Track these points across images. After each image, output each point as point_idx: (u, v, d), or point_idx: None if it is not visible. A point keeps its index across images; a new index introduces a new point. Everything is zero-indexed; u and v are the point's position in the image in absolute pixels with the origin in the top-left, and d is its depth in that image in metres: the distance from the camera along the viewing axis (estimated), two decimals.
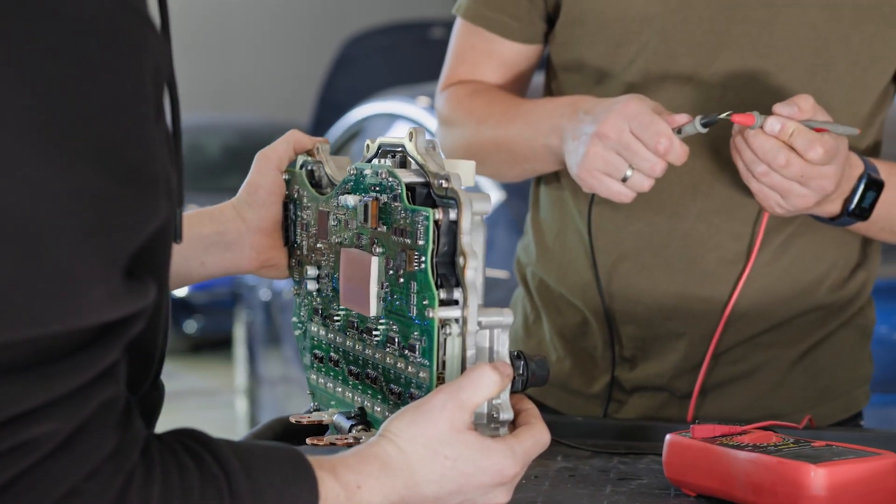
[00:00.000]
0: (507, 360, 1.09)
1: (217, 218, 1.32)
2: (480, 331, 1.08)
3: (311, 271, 1.29)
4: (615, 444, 1.43)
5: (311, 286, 1.29)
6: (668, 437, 1.24)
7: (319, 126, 6.70)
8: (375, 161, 1.21)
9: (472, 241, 1.08)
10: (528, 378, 1.12)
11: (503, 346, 1.09)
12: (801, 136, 1.35)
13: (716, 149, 1.54)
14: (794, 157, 1.36)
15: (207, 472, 0.87)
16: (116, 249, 0.79)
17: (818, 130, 1.37)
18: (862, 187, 1.45)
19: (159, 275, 0.89)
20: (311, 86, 10.02)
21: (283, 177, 1.34)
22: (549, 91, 1.68)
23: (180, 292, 7.98)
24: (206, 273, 1.32)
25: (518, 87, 1.72)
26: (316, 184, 1.32)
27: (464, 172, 1.21)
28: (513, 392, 1.11)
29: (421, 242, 1.08)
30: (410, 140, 1.15)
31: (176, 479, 0.84)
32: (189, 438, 0.90)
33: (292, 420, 1.27)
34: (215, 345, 8.19)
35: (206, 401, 7.15)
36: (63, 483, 0.78)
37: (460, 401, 1.02)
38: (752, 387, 1.60)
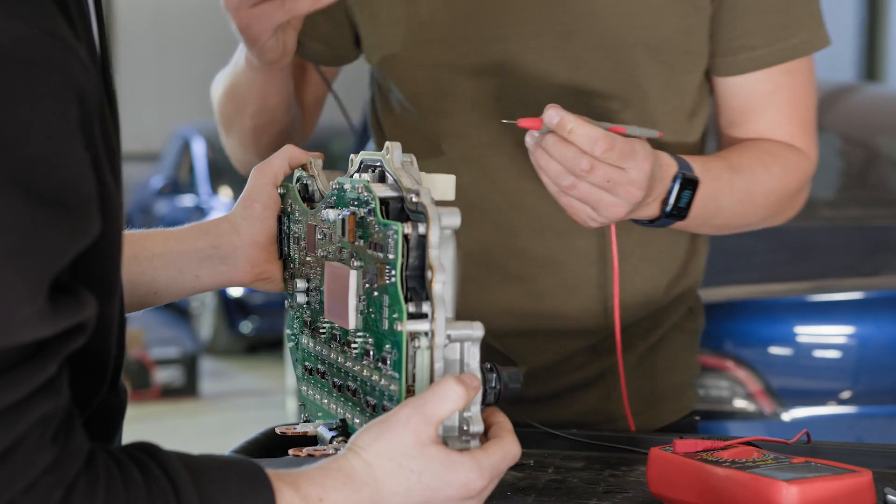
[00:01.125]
0: (478, 373, 1.09)
1: (212, 231, 1.34)
2: (450, 344, 1.09)
3: (301, 284, 1.30)
4: (609, 456, 1.43)
5: (301, 299, 1.30)
6: (651, 451, 1.23)
7: None
8: (356, 175, 1.22)
9: (441, 255, 1.08)
10: (501, 391, 1.13)
11: (474, 359, 1.10)
12: (580, 131, 1.30)
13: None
14: (598, 162, 1.30)
15: (155, 485, 0.88)
16: (42, 270, 0.81)
17: (616, 131, 1.33)
18: (677, 187, 1.41)
19: (104, 287, 0.91)
20: None
21: (279, 191, 1.35)
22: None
23: (235, 292, 8.06)
24: (200, 286, 1.34)
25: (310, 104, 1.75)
26: (309, 198, 1.33)
27: (442, 186, 1.22)
28: (486, 405, 1.12)
29: (391, 256, 1.09)
30: (387, 154, 1.16)
31: (121, 492, 0.86)
32: (139, 451, 0.91)
33: (278, 431, 1.29)
34: (270, 345, 8.26)
35: (260, 401, 7.21)
36: None
37: (424, 414, 1.02)
38: (593, 392, 1.60)
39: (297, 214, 1.32)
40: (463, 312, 1.50)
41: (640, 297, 1.60)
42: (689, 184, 1.41)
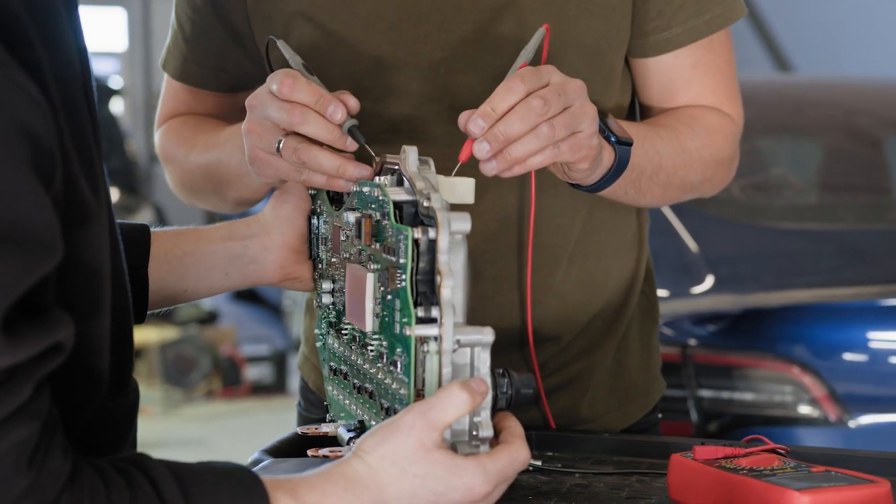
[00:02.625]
0: (487, 378, 1.09)
1: (242, 231, 1.36)
2: (460, 349, 1.09)
3: (326, 285, 1.31)
4: (640, 461, 1.42)
5: (326, 300, 1.32)
6: (672, 457, 1.22)
7: None
8: (377, 178, 1.23)
9: (451, 260, 1.09)
10: (513, 396, 1.13)
11: (484, 364, 1.10)
12: (495, 97, 1.22)
13: None
14: (535, 94, 1.22)
15: (142, 500, 0.90)
16: None
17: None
18: (599, 120, 1.35)
19: (88, 305, 0.93)
20: None
21: (310, 192, 1.37)
22: None
23: None
24: (229, 284, 1.36)
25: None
26: (338, 199, 1.34)
27: (461, 190, 1.22)
28: (498, 410, 1.12)
29: (402, 260, 1.09)
30: (403, 158, 1.17)
31: None
32: (130, 464, 0.93)
33: (299, 431, 1.31)
34: None
35: None
36: None
37: (429, 419, 1.03)
38: (564, 396, 1.56)
39: (325, 216, 1.34)
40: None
41: (614, 300, 1.58)
42: (604, 115, 1.38)
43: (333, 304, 1.31)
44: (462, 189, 1.22)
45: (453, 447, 1.07)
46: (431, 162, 1.19)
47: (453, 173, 1.23)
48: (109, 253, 0.98)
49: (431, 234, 1.09)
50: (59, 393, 0.92)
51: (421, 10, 1.42)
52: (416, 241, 1.09)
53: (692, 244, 2.84)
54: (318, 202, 1.35)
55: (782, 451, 1.21)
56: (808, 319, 2.63)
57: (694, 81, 1.54)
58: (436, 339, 1.08)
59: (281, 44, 1.32)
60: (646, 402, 1.65)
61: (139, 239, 1.31)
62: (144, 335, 7.11)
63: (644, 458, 1.43)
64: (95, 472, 0.90)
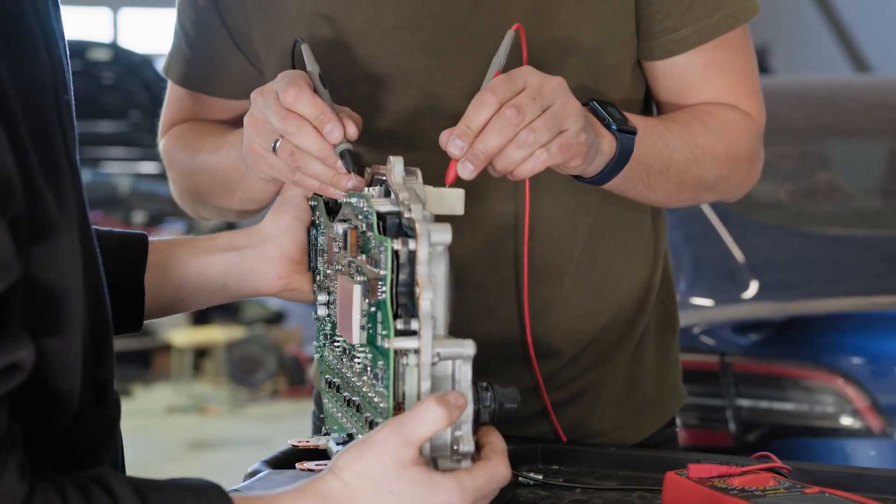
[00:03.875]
0: (468, 392, 1.07)
1: (241, 241, 1.35)
2: (441, 362, 1.07)
3: (322, 297, 1.30)
4: (647, 476, 1.39)
5: (321, 312, 1.30)
6: (666, 475, 1.19)
7: None
8: (366, 189, 1.21)
9: (433, 271, 1.07)
10: (497, 410, 1.10)
11: (465, 377, 1.08)
12: (469, 113, 1.21)
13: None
14: (510, 104, 1.20)
15: None
16: None
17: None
18: (599, 107, 1.34)
19: (52, 321, 0.92)
20: None
21: (310, 202, 1.36)
22: None
23: None
24: (226, 294, 1.35)
25: None
26: (337, 210, 1.33)
27: (450, 201, 1.21)
28: (481, 424, 1.10)
29: (382, 272, 1.08)
30: (389, 168, 1.15)
31: None
32: (93, 481, 0.92)
33: (289, 444, 1.29)
34: None
35: None
36: None
37: (403, 435, 1.01)
38: (573, 409, 1.53)
39: (322, 227, 1.32)
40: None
41: (626, 310, 1.54)
42: (603, 103, 1.35)
43: (329, 315, 1.30)
44: (452, 200, 1.20)
45: (434, 461, 1.06)
46: (419, 172, 1.18)
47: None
48: (81, 267, 0.97)
49: (412, 245, 1.07)
50: (22, 411, 0.92)
51: (417, 17, 1.40)
52: (395, 253, 1.07)
53: (736, 250, 2.79)
54: (318, 213, 1.34)
55: (784, 471, 1.18)
56: (853, 328, 2.56)
57: (708, 82, 1.50)
58: (416, 351, 1.06)
59: (305, 48, 1.31)
60: (661, 415, 1.61)
61: (136, 248, 1.31)
62: (211, 334, 7.18)
63: (651, 473, 1.39)
64: (54, 490, 0.89)
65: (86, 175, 7.97)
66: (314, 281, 1.36)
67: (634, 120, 1.38)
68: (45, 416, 0.96)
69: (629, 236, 1.55)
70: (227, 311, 7.48)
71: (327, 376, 1.32)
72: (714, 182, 1.49)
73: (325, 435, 1.32)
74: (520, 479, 1.35)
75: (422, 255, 1.06)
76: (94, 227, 1.32)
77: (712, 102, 1.50)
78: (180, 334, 7.16)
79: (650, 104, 1.57)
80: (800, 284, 2.77)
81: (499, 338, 1.48)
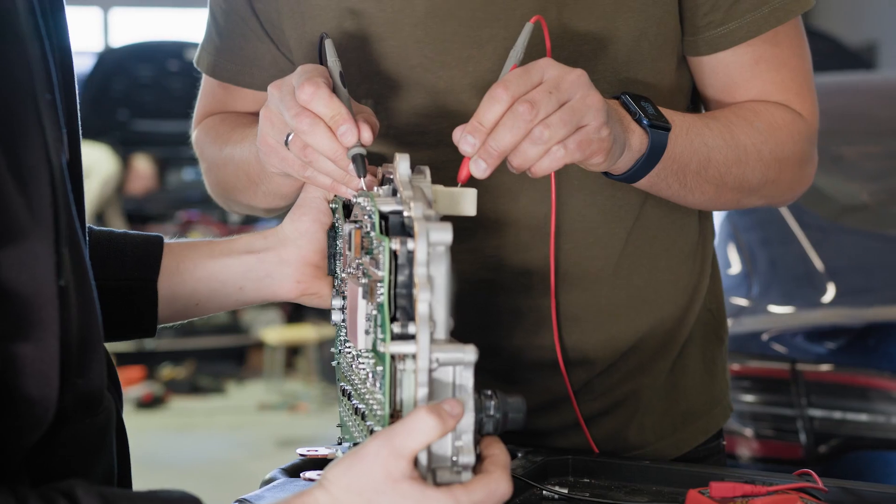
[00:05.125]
0: (469, 400, 1.02)
1: (259, 244, 1.31)
2: (442, 368, 1.02)
3: (336, 302, 1.26)
4: (680, 492, 1.31)
5: (336, 317, 1.26)
6: (689, 493, 1.12)
7: None
8: (375, 188, 1.17)
9: (432, 272, 1.01)
10: (501, 420, 1.05)
11: (467, 385, 1.02)
12: (480, 109, 1.16)
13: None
14: (524, 98, 1.15)
15: None
16: None
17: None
18: (631, 101, 1.27)
19: (16, 326, 0.89)
20: None
21: (331, 205, 1.31)
22: None
23: None
24: (243, 299, 1.32)
25: None
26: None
27: (462, 201, 1.15)
28: (485, 434, 1.05)
29: (381, 273, 1.03)
30: (396, 165, 1.11)
31: None
32: (60, 493, 0.89)
33: (298, 453, 1.25)
34: None
35: None
36: None
37: (394, 447, 0.96)
38: (610, 420, 1.45)
39: (340, 229, 1.28)
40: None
41: (668, 318, 1.47)
42: (636, 97, 1.28)
43: (343, 321, 1.25)
44: (463, 200, 1.15)
45: (433, 473, 1.00)
46: (427, 170, 1.12)
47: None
48: (55, 272, 0.93)
49: (410, 245, 1.02)
50: None
51: (448, 6, 1.35)
52: (394, 253, 1.02)
53: (813, 253, 2.68)
54: (337, 215, 1.30)
55: (819, 492, 1.10)
56: None
57: (756, 78, 1.42)
58: (413, 357, 1.01)
59: (328, 43, 1.27)
60: (706, 427, 1.54)
61: (151, 251, 1.28)
62: (303, 333, 7.20)
63: (685, 488, 1.32)
64: (14, 499, 0.86)
65: (187, 174, 8.07)
66: (334, 286, 1.32)
67: (670, 116, 1.31)
68: (19, 424, 0.93)
69: (673, 240, 1.47)
70: (320, 309, 7.51)
71: (341, 384, 1.27)
72: (759, 185, 1.41)
73: (338, 444, 1.28)
74: (544, 492, 1.29)
75: (420, 256, 1.01)
76: (108, 229, 1.30)
77: (760, 100, 1.42)
78: (273, 332, 7.21)
79: (698, 100, 1.50)
80: (880, 290, 2.65)
81: (530, 344, 1.42)
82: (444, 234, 1.01)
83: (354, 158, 1.17)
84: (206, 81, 1.57)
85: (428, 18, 1.36)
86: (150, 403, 6.74)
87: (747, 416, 2.49)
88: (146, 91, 8.35)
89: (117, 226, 7.69)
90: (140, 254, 1.28)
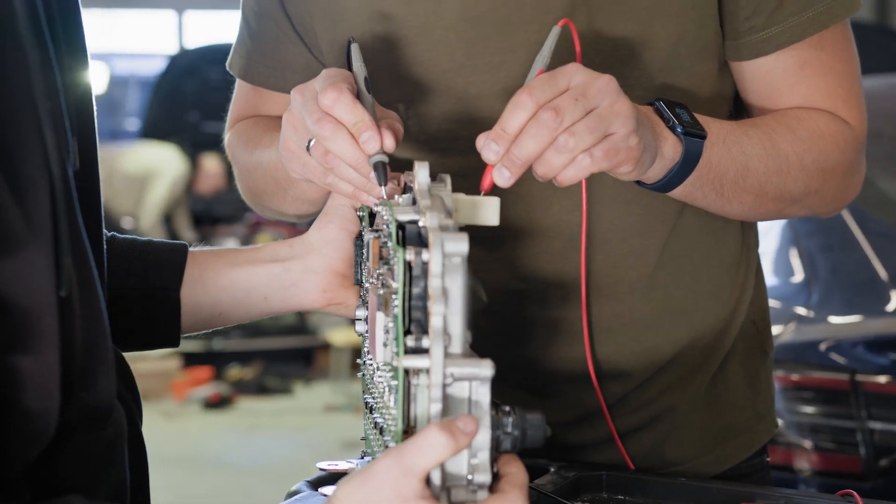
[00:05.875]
0: (486, 416, 0.98)
1: (284, 253, 1.29)
2: (457, 383, 0.98)
3: (360, 312, 1.23)
4: None
5: (360, 328, 1.23)
6: None
7: None
8: (396, 196, 1.14)
9: (448, 284, 0.98)
10: (519, 438, 1.01)
11: (483, 401, 0.99)
12: (505, 113, 1.12)
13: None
14: (549, 105, 1.11)
15: None
16: None
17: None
18: (665, 108, 1.22)
19: (13, 340, 0.87)
20: None
21: (358, 213, 1.29)
22: None
23: None
24: (268, 309, 1.29)
25: None
26: None
27: (485, 210, 1.12)
28: (502, 452, 1.01)
29: (395, 285, 1.00)
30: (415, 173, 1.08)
31: None
32: None
33: (318, 466, 1.23)
34: None
35: None
36: None
37: (404, 465, 0.93)
38: (649, 434, 1.40)
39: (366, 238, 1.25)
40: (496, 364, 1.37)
41: (708, 331, 1.42)
42: (671, 103, 1.24)
43: (367, 331, 1.23)
44: (485, 209, 1.11)
45: (448, 491, 0.97)
46: (448, 179, 1.09)
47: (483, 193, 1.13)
48: (54, 284, 0.91)
49: (425, 256, 0.99)
50: None
51: (480, 10, 1.32)
52: (408, 264, 0.99)
53: (875, 261, 2.60)
54: (364, 224, 1.27)
55: None
56: None
57: (800, 85, 1.36)
58: (427, 371, 0.98)
59: (354, 48, 1.24)
60: (749, 444, 1.49)
61: (173, 260, 1.27)
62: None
63: None
64: None
65: None
66: (360, 295, 1.29)
67: (707, 123, 1.27)
68: (19, 438, 0.91)
69: (713, 250, 1.43)
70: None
71: (365, 396, 1.25)
72: (801, 195, 1.36)
73: (360, 458, 1.25)
74: None
75: (434, 267, 0.97)
76: (132, 237, 1.28)
77: (804, 107, 1.37)
78: (340, 334, 7.21)
79: (742, 108, 1.45)
80: None
81: (563, 356, 1.38)
82: (460, 245, 0.98)
83: (376, 166, 1.14)
84: (239, 85, 1.56)
85: (459, 22, 1.32)
86: (217, 404, 6.78)
87: (806, 428, 2.42)
88: (217, 93, 8.40)
89: (184, 227, 7.76)
90: (163, 262, 1.26)
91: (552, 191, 1.33)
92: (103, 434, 1.01)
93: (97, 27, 11.86)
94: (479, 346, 1.35)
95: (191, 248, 1.29)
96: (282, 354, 7.42)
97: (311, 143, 1.18)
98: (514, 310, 1.39)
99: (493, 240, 1.37)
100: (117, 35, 12.00)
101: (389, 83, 1.33)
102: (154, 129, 8.26)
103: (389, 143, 1.15)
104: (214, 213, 7.85)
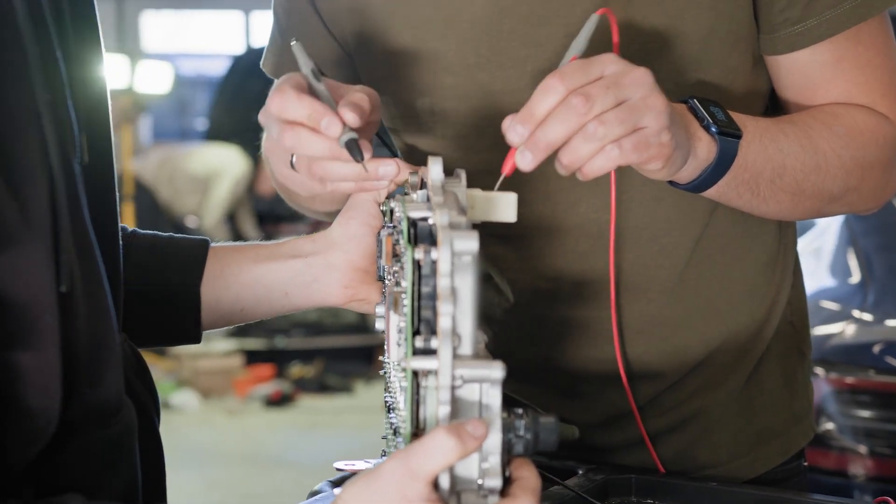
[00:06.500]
0: (497, 419, 0.95)
1: (306, 248, 1.28)
2: (467, 385, 0.96)
3: (380, 309, 1.21)
4: None
5: (379, 326, 1.21)
6: None
7: None
8: (412, 192, 1.11)
9: (457, 283, 0.95)
10: (533, 441, 0.98)
11: (494, 403, 0.96)
12: (532, 99, 1.09)
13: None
14: (577, 91, 1.08)
15: None
16: None
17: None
18: (699, 106, 1.18)
19: (11, 336, 0.86)
20: None
21: (382, 207, 1.27)
22: None
23: None
24: (290, 305, 1.28)
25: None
26: None
27: (502, 206, 1.09)
28: (515, 456, 0.98)
29: (405, 283, 0.98)
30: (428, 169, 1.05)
31: None
32: None
33: (335, 466, 1.21)
34: None
35: None
36: None
37: (409, 468, 0.90)
38: (681, 436, 1.36)
39: None
40: (524, 365, 1.34)
41: (742, 332, 1.38)
42: (705, 101, 1.20)
43: (385, 330, 1.20)
44: (502, 205, 1.09)
45: (458, 496, 0.95)
46: (463, 174, 1.07)
47: (496, 187, 1.10)
48: (53, 280, 0.90)
49: (435, 254, 0.96)
50: None
51: (506, 4, 1.29)
52: (417, 263, 0.97)
53: None
54: (386, 220, 1.25)
55: None
56: None
57: (837, 79, 1.32)
58: (436, 373, 0.95)
59: (296, 47, 1.20)
60: (785, 448, 1.45)
61: (194, 256, 1.26)
62: None
63: None
64: None
65: None
66: (383, 291, 1.27)
67: (741, 121, 1.23)
68: (19, 435, 0.90)
69: (748, 249, 1.39)
70: None
71: (386, 396, 1.23)
72: (840, 193, 1.31)
73: (382, 457, 1.23)
74: None
75: (443, 266, 0.95)
76: (154, 233, 1.27)
77: (841, 103, 1.33)
78: None
79: (777, 104, 1.41)
80: None
81: (591, 356, 1.35)
82: (470, 243, 0.95)
83: (348, 145, 1.12)
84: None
85: (485, 16, 1.30)
86: (278, 401, 6.81)
87: (861, 432, 2.36)
88: None
89: (248, 226, 7.80)
90: (183, 258, 1.25)
91: (579, 188, 1.30)
92: (110, 431, 1.00)
93: (165, 28, 11.99)
94: (505, 345, 1.33)
95: (213, 244, 1.28)
96: (343, 353, 7.43)
97: (293, 160, 1.16)
98: (542, 310, 1.36)
99: (520, 239, 1.34)
100: (185, 36, 12.13)
101: (414, 78, 1.31)
102: (218, 130, 8.31)
103: (351, 118, 1.12)
104: (277, 212, 7.89)
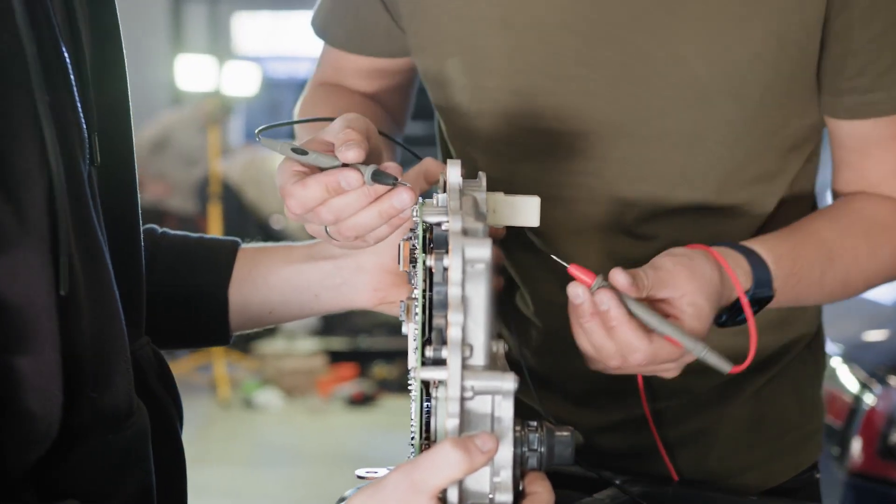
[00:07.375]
0: (509, 431, 0.92)
1: (336, 250, 1.26)
2: (478, 397, 0.93)
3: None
4: None
5: (406, 330, 1.18)
6: None
7: None
8: (435, 197, 1.09)
9: (469, 292, 0.92)
10: (547, 455, 0.95)
11: (506, 416, 0.93)
12: (621, 334, 1.11)
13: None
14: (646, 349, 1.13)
15: None
16: None
17: (670, 341, 1.13)
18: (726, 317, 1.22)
19: (9, 340, 0.85)
20: None
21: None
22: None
23: None
24: (319, 307, 1.26)
25: (392, 97, 1.47)
26: None
27: (524, 210, 1.06)
28: (529, 470, 0.95)
29: (417, 291, 0.95)
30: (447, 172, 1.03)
31: None
32: None
33: (356, 474, 1.19)
34: None
35: None
36: None
37: (413, 481, 0.88)
38: (693, 448, 1.33)
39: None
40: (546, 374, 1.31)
41: (765, 348, 1.33)
42: (759, 302, 1.22)
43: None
44: (525, 209, 1.06)
45: None
46: (483, 177, 1.04)
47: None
48: (52, 283, 0.89)
49: (447, 261, 0.93)
50: None
51: (565, 17, 1.27)
52: (429, 270, 0.94)
53: None
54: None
55: None
56: None
57: (889, 155, 1.32)
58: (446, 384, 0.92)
59: (264, 140, 1.15)
60: (795, 463, 1.43)
61: (223, 258, 1.25)
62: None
63: None
64: None
65: None
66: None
67: (782, 269, 1.23)
68: (19, 439, 0.89)
69: None
70: None
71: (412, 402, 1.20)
72: (867, 288, 1.36)
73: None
74: None
75: (453, 274, 0.92)
76: (184, 234, 1.27)
77: (889, 200, 1.32)
78: None
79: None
80: None
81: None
82: (482, 251, 0.92)
83: (375, 179, 1.08)
84: (323, 49, 1.52)
85: (542, 25, 1.28)
86: (360, 401, 6.83)
87: None
88: None
89: None
90: (212, 260, 1.24)
91: (605, 200, 1.28)
92: (121, 436, 0.99)
93: (257, 30, 12.11)
94: (526, 355, 1.31)
95: (242, 245, 1.27)
96: (386, 355, 7.40)
97: (329, 231, 1.14)
98: (563, 320, 1.34)
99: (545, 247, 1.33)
100: (277, 38, 12.23)
101: (457, 73, 1.29)
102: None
103: (354, 155, 1.08)
104: None
